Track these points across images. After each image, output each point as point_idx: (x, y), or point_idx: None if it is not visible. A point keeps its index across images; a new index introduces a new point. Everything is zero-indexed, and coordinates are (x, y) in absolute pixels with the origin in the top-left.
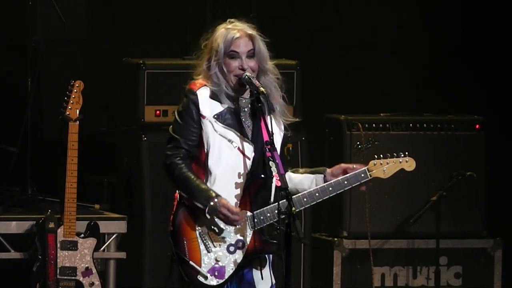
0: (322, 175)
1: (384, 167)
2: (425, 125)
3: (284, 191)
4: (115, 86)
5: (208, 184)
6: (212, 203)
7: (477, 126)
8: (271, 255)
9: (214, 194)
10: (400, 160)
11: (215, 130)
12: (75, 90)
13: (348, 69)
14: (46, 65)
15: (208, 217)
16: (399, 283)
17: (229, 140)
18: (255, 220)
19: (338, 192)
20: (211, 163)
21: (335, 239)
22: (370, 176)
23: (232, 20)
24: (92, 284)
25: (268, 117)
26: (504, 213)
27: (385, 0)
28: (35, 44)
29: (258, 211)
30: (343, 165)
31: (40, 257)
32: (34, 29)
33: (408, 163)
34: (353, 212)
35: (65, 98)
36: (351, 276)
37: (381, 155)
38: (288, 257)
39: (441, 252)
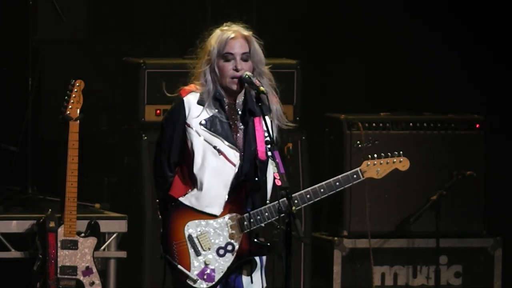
0: None
1: (378, 168)
2: (425, 124)
3: (285, 190)
4: (115, 86)
5: (195, 190)
6: None
7: (477, 126)
8: (263, 259)
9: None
10: (394, 160)
11: (200, 136)
12: (75, 90)
13: (349, 69)
14: (46, 65)
15: None
16: (399, 283)
17: (214, 147)
18: (251, 220)
19: (329, 194)
20: (196, 169)
21: (335, 238)
22: (363, 177)
23: (228, 23)
24: (93, 283)
25: (268, 117)
26: (504, 212)
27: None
28: (35, 44)
29: (255, 210)
30: None
31: (40, 256)
32: (34, 29)
33: (402, 163)
34: (353, 211)
35: (66, 97)
36: (351, 275)
37: (375, 155)
38: (288, 256)
39: (441, 251)
